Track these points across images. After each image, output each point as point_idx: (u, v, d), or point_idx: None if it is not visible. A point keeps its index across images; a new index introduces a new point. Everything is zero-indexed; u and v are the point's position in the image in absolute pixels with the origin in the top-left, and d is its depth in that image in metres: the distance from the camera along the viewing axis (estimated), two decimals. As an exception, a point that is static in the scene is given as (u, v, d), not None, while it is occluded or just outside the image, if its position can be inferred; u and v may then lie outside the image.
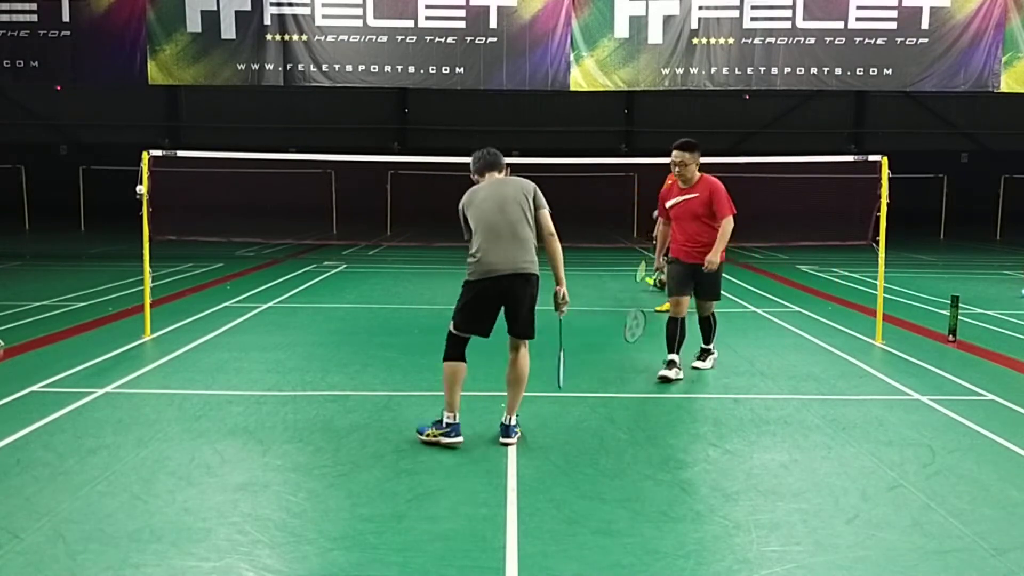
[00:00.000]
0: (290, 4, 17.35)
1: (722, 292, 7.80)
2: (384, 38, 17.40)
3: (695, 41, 17.41)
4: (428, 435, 5.24)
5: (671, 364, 7.10)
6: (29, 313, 10.03)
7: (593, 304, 11.32)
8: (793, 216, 26.81)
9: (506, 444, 5.23)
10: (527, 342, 5.35)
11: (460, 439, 5.20)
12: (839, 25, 17.43)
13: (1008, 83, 17.50)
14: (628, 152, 31.73)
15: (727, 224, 7.28)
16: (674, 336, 7.23)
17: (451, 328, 5.35)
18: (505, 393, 5.40)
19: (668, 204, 7.42)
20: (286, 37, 17.41)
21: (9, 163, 26.77)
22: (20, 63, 17.58)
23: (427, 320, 10.62)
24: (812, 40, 17.43)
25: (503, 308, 5.29)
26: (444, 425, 5.23)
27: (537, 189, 5.49)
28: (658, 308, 11.50)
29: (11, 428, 5.45)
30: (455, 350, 5.32)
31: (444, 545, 3.82)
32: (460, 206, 5.50)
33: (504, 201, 5.34)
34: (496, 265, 5.22)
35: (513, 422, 5.34)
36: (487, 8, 17.35)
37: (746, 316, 10.57)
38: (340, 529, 3.99)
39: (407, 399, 6.37)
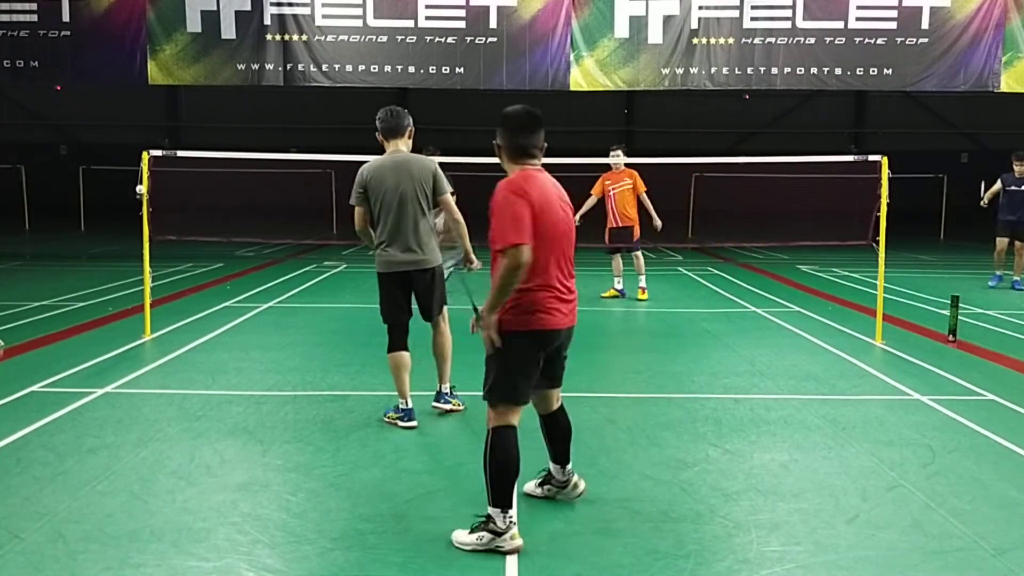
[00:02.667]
0: (290, 4, 17.34)
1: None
2: (384, 38, 17.39)
3: (695, 41, 17.39)
4: (389, 417, 5.76)
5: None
6: (29, 313, 10.03)
7: (593, 304, 11.32)
8: (793, 216, 26.77)
9: (437, 409, 5.92)
10: (444, 314, 5.94)
11: (414, 423, 5.65)
12: (839, 25, 17.41)
13: (1008, 83, 17.48)
14: (628, 152, 31.70)
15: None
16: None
17: (386, 323, 5.83)
18: None
19: None
20: (286, 37, 17.40)
21: (9, 163, 26.74)
22: (20, 63, 17.55)
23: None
24: (812, 40, 17.41)
25: (412, 295, 5.79)
26: (399, 410, 5.71)
27: (438, 170, 5.69)
28: (603, 295, 11.62)
29: (11, 428, 5.45)
30: (396, 342, 5.79)
31: (444, 545, 3.82)
32: (359, 177, 5.65)
33: (406, 191, 5.56)
34: (399, 261, 5.62)
35: (446, 389, 5.98)
36: (487, 8, 17.33)
37: (746, 316, 10.57)
38: (340, 529, 3.99)
39: (407, 399, 6.36)
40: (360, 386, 6.76)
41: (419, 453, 5.12)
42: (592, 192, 11.57)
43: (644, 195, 11.47)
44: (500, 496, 3.78)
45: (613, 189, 11.47)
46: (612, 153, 11.43)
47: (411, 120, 5.82)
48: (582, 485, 4.36)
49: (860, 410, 6.19)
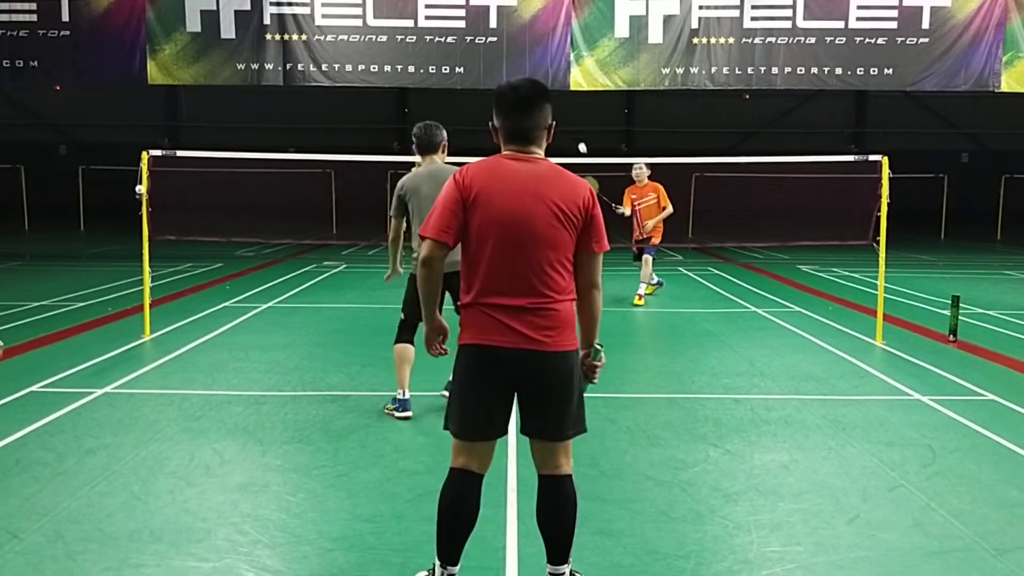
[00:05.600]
0: (290, 4, 17.33)
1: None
2: (384, 38, 17.38)
3: (695, 41, 17.39)
4: (387, 408, 5.93)
5: None
6: (29, 313, 10.03)
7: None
8: (793, 216, 26.78)
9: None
10: None
11: (409, 413, 5.81)
12: (839, 25, 17.40)
13: (1008, 83, 17.48)
14: (628, 152, 31.72)
15: None
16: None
17: (402, 317, 5.92)
18: None
19: None
20: (286, 37, 17.39)
21: (9, 163, 26.74)
22: (20, 63, 17.54)
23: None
24: (812, 40, 17.41)
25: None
26: (396, 401, 5.87)
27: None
28: (637, 301, 11.40)
29: (11, 428, 5.44)
30: (405, 335, 5.90)
31: (444, 545, 3.81)
32: (397, 188, 5.81)
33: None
34: None
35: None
36: (487, 8, 17.33)
37: (746, 316, 10.56)
38: (340, 529, 3.98)
39: (407, 399, 6.36)
40: (360, 386, 6.76)
41: (419, 453, 5.12)
42: (625, 206, 11.43)
43: (667, 207, 11.31)
44: (440, 547, 3.27)
45: (639, 204, 11.44)
46: (636, 168, 11.36)
47: (445, 133, 5.94)
48: None
49: (860, 410, 6.18)
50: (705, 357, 8.07)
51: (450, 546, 3.27)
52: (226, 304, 10.87)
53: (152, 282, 9.09)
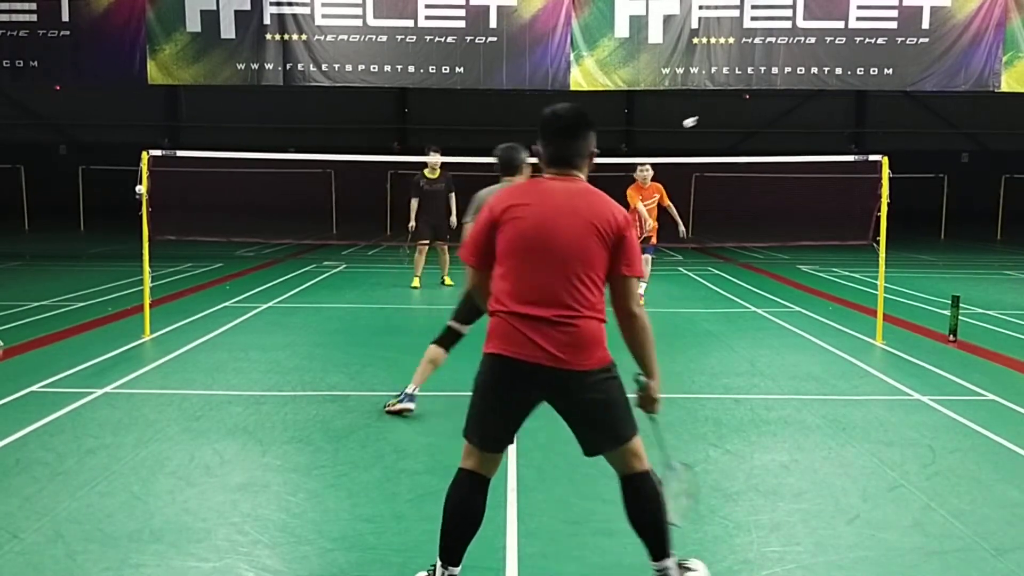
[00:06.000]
0: (290, 4, 17.33)
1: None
2: (384, 38, 17.38)
3: (695, 41, 17.39)
4: (389, 404, 5.96)
5: None
6: (29, 313, 10.03)
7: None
8: (793, 216, 26.75)
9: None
10: None
11: (412, 406, 5.87)
12: (839, 25, 17.40)
13: (1008, 83, 17.48)
14: (628, 152, 31.73)
15: None
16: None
17: (450, 324, 5.80)
18: None
19: None
20: (286, 37, 17.39)
21: (9, 163, 26.74)
22: (20, 63, 17.55)
23: (427, 320, 10.62)
24: (812, 40, 17.41)
25: None
26: (403, 393, 5.90)
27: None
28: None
29: (11, 428, 5.44)
30: (446, 341, 5.84)
31: (444, 545, 3.81)
32: (475, 200, 5.86)
33: None
34: None
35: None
36: (487, 8, 17.33)
37: (746, 316, 10.57)
38: (340, 529, 3.98)
39: (407, 399, 6.36)
40: (360, 386, 6.76)
41: (419, 453, 5.12)
42: (634, 206, 11.45)
43: (670, 205, 11.39)
44: (442, 547, 3.28)
45: (646, 205, 11.45)
46: (642, 170, 11.36)
47: (526, 155, 5.82)
48: None
49: (860, 410, 6.18)
50: (705, 357, 8.07)
51: (453, 546, 3.27)
52: (226, 304, 10.87)
53: (152, 282, 9.09)
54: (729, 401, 6.42)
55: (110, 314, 9.97)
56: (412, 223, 12.45)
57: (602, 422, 3.18)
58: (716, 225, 25.00)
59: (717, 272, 15.49)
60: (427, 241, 12.63)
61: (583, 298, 3.12)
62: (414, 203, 12.45)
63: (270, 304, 10.99)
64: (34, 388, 6.49)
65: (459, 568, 3.29)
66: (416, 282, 12.72)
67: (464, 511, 3.26)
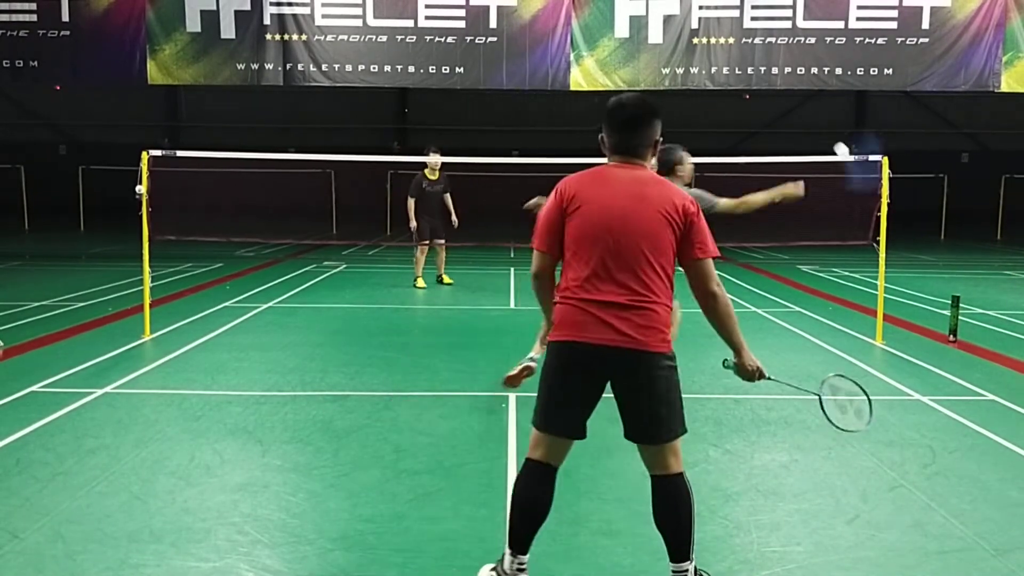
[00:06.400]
0: (290, 4, 17.32)
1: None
2: (384, 38, 17.38)
3: (695, 41, 17.38)
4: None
5: None
6: (29, 313, 10.03)
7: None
8: (793, 216, 26.67)
9: None
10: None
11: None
12: (839, 25, 17.40)
13: (1008, 83, 17.47)
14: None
15: None
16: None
17: None
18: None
19: None
20: (286, 37, 17.39)
21: (9, 163, 26.74)
22: (19, 63, 17.54)
23: (427, 320, 10.63)
24: (812, 40, 17.40)
25: None
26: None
27: (701, 194, 6.00)
28: None
29: (11, 428, 5.44)
30: None
31: (444, 545, 3.81)
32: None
33: None
34: None
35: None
36: (487, 8, 17.32)
37: (747, 316, 10.57)
38: (340, 529, 3.98)
39: (407, 399, 6.37)
40: (360, 386, 6.75)
41: (419, 453, 5.12)
42: None
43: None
44: (512, 537, 3.33)
45: None
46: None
47: (679, 155, 5.99)
48: None
49: (860, 410, 6.17)
50: (705, 357, 8.04)
51: (523, 536, 3.30)
52: (226, 304, 10.87)
53: (152, 282, 9.08)
54: (729, 401, 6.42)
55: (110, 314, 9.97)
56: (413, 223, 12.43)
57: (657, 412, 3.20)
58: (716, 225, 24.96)
59: (717, 272, 15.47)
60: (427, 241, 12.65)
61: (654, 284, 3.17)
62: (411, 203, 12.44)
63: (270, 304, 10.99)
64: (34, 388, 6.48)
65: (527, 556, 3.33)
66: (420, 282, 12.72)
67: (533, 501, 3.29)
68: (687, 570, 3.28)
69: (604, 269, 3.15)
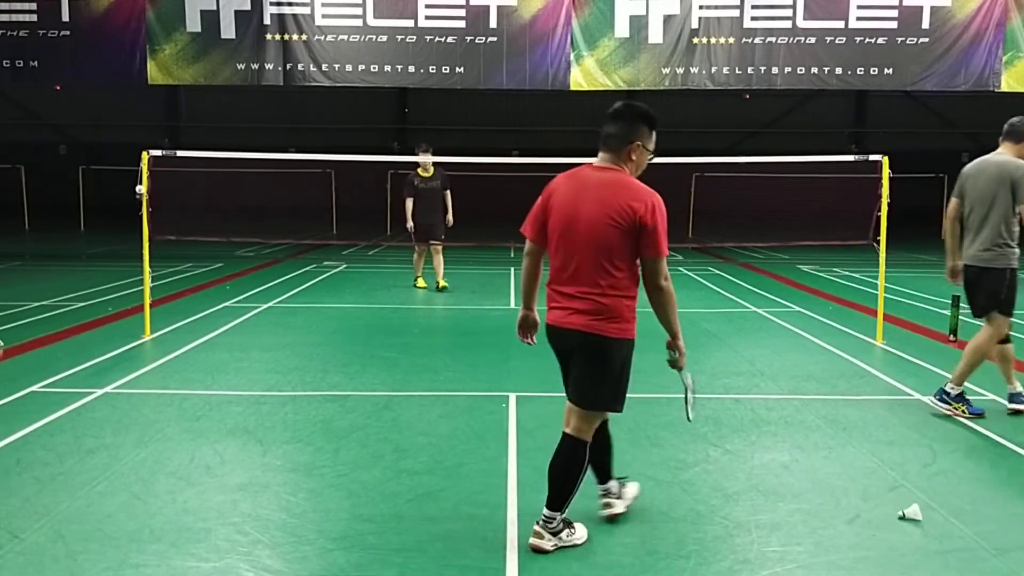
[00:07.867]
0: (290, 4, 17.33)
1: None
2: (384, 38, 17.38)
3: (695, 41, 17.39)
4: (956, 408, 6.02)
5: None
6: (29, 313, 10.03)
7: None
8: (793, 216, 26.75)
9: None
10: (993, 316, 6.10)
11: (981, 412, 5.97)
12: (840, 25, 17.40)
13: (1009, 83, 17.48)
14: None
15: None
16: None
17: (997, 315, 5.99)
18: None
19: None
20: (286, 37, 17.40)
21: (9, 163, 26.74)
22: (20, 63, 17.55)
23: (427, 320, 10.62)
24: (813, 40, 17.41)
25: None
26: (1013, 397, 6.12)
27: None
28: None
29: (11, 428, 5.44)
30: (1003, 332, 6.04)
31: (444, 545, 3.81)
32: (960, 177, 6.40)
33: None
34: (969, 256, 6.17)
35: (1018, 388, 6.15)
36: (487, 8, 17.33)
37: (747, 316, 10.57)
38: (340, 529, 3.98)
39: (407, 399, 6.37)
40: (360, 386, 6.75)
41: (419, 453, 5.11)
42: None
43: None
44: (598, 476, 4.15)
45: None
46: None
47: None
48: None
49: (861, 410, 6.18)
50: (705, 357, 8.06)
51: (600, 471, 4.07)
52: (226, 304, 10.87)
53: (152, 282, 9.08)
54: (729, 401, 6.42)
55: (110, 314, 9.97)
56: (410, 223, 12.37)
57: (583, 381, 3.74)
58: (716, 225, 25.01)
59: (717, 272, 15.49)
60: (423, 243, 12.59)
61: (606, 279, 3.62)
62: (409, 202, 12.37)
63: (270, 304, 10.99)
64: (34, 388, 6.49)
65: (609, 483, 4.15)
66: (420, 282, 12.70)
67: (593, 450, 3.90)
68: (555, 518, 3.77)
69: (566, 263, 3.68)
